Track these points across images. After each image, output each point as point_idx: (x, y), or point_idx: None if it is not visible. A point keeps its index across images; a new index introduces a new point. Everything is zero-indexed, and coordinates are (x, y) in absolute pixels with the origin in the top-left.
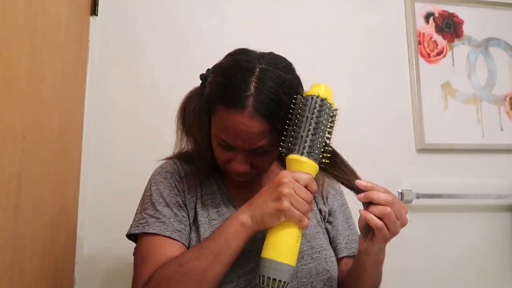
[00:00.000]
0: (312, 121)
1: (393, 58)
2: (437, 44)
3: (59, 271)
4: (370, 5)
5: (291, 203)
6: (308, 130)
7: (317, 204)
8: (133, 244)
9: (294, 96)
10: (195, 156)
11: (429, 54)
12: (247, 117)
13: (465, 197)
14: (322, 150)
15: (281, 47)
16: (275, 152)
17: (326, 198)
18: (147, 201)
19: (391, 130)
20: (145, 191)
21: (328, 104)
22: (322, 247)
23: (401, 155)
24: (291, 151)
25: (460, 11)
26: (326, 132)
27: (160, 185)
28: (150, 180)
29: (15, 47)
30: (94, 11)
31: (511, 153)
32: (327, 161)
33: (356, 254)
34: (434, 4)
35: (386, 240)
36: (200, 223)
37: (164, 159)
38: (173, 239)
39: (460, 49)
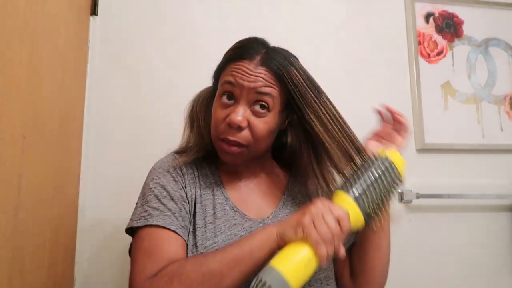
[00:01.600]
0: (372, 174)
1: (393, 58)
2: (437, 44)
3: (59, 271)
4: (370, 5)
5: (313, 223)
6: (365, 179)
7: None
8: None
9: (369, 159)
10: (194, 143)
11: (429, 54)
12: (254, 64)
13: (465, 197)
14: (373, 206)
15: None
16: (273, 121)
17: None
18: (149, 194)
19: None
20: (146, 184)
21: (396, 170)
22: None
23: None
24: (340, 187)
25: (460, 11)
26: (384, 193)
27: (162, 178)
28: (151, 173)
29: (15, 47)
30: (94, 11)
31: (511, 153)
32: (375, 217)
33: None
34: (434, 4)
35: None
36: (197, 226)
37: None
38: (178, 234)
39: (460, 49)
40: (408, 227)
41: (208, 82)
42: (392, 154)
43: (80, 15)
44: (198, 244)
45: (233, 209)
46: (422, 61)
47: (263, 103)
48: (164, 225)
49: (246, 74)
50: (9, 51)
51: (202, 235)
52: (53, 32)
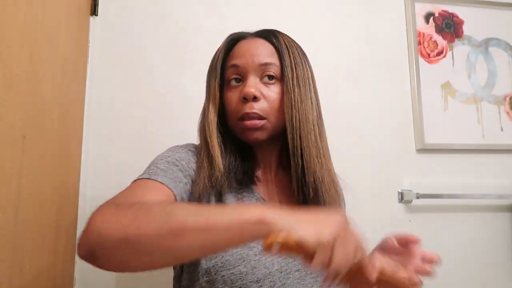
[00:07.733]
0: None
1: (393, 58)
2: (437, 44)
3: (59, 270)
4: (370, 5)
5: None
6: None
7: None
8: None
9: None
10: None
11: (429, 54)
12: (250, 38)
13: (465, 197)
14: None
15: None
16: (282, 91)
17: None
18: (160, 159)
19: (391, 130)
20: (159, 155)
21: None
22: None
23: (401, 155)
24: None
25: (460, 11)
26: None
27: (180, 153)
28: (169, 149)
29: (15, 47)
30: (94, 11)
31: (511, 153)
32: None
33: None
34: (434, 4)
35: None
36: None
37: None
38: (175, 196)
39: (460, 49)
40: (408, 227)
41: None
42: None
43: (80, 15)
44: None
45: (260, 201)
46: (422, 61)
47: (271, 74)
48: (165, 183)
49: (248, 50)
50: (9, 51)
51: None
52: (53, 32)
